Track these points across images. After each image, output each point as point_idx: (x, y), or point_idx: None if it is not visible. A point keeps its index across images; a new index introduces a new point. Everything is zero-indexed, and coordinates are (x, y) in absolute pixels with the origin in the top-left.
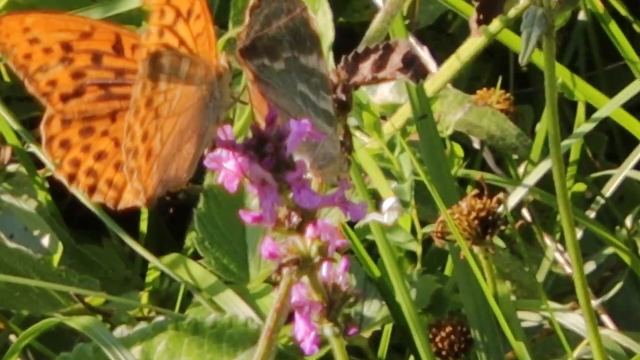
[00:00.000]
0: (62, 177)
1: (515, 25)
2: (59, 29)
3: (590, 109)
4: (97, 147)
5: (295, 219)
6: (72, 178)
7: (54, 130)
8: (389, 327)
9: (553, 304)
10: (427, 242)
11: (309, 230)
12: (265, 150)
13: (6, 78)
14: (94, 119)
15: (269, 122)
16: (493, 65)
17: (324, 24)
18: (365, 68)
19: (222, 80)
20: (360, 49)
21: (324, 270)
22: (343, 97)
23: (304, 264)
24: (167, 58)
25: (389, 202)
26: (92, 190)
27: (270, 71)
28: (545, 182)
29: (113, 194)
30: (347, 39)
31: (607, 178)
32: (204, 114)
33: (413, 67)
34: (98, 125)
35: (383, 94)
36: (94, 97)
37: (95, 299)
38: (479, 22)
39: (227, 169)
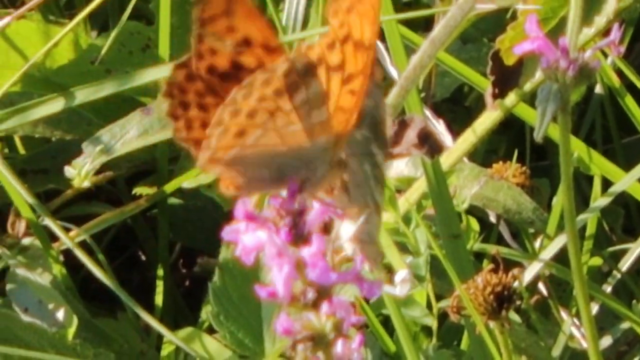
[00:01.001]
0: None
1: (531, 99)
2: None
3: (606, 183)
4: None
5: (310, 295)
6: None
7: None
8: None
9: None
10: (443, 316)
11: (324, 306)
12: (285, 223)
13: (21, 150)
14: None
15: (290, 195)
16: (509, 138)
17: None
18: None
19: (334, 170)
20: None
21: (339, 346)
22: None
23: (319, 341)
24: (315, 84)
25: (401, 274)
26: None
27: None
28: (562, 256)
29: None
30: None
31: (623, 252)
32: (299, 171)
33: (428, 143)
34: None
35: (399, 167)
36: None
37: None
38: (495, 96)
39: (243, 242)
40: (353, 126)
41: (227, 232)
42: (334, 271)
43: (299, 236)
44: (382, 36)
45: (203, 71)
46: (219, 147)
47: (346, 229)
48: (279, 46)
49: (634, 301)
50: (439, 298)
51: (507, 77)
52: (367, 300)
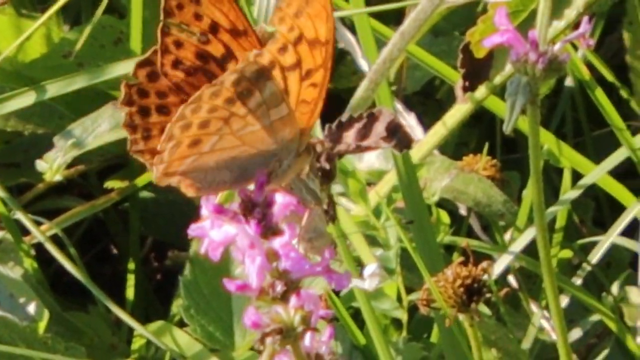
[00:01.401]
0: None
1: (501, 92)
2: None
3: (577, 175)
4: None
5: (279, 288)
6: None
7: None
8: None
9: None
10: (413, 309)
11: (293, 299)
12: (254, 215)
13: None
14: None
15: (258, 188)
16: (480, 131)
17: None
18: (349, 137)
19: (300, 159)
20: (345, 117)
21: (307, 339)
22: (327, 166)
23: (287, 334)
24: (270, 86)
25: (370, 268)
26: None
27: None
28: (532, 249)
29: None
30: (335, 105)
31: (593, 244)
32: (263, 167)
33: (397, 136)
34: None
35: (369, 160)
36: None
37: None
38: (465, 89)
39: (211, 237)
40: (317, 112)
41: (193, 229)
42: (306, 261)
43: (267, 228)
44: (352, 29)
45: (168, 66)
46: (173, 160)
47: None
48: (247, 29)
49: (604, 294)
50: (409, 291)
51: (477, 70)
52: (336, 293)
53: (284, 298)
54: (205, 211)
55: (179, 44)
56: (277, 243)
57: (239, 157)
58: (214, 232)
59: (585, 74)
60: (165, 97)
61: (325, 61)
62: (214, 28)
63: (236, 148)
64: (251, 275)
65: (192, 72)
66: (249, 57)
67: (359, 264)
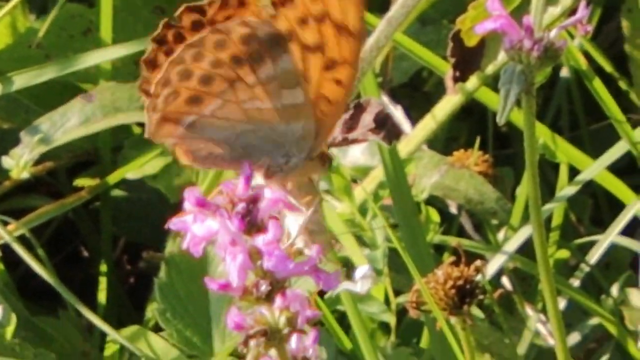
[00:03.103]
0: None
1: (493, 83)
2: None
3: (573, 171)
4: None
5: (263, 287)
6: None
7: None
8: None
9: None
10: (401, 312)
11: (278, 300)
12: (238, 210)
13: None
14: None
15: (245, 181)
16: (471, 125)
17: None
18: (335, 129)
19: (310, 164)
20: None
21: (293, 342)
22: None
23: (272, 336)
24: (285, 60)
25: (361, 270)
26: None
27: None
28: (527, 249)
29: None
30: None
31: (592, 244)
32: (267, 156)
33: (385, 128)
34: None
35: (354, 155)
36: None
37: None
38: (455, 80)
39: (193, 232)
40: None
41: (174, 223)
42: (291, 260)
43: (252, 224)
44: None
45: (220, 20)
46: (169, 111)
47: (292, 222)
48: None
49: (603, 296)
50: (397, 293)
51: (468, 60)
52: (322, 296)
53: (268, 298)
54: (187, 204)
55: (242, 3)
56: (260, 241)
57: (243, 135)
58: (197, 226)
59: (583, 63)
60: None
61: (354, 56)
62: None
63: (240, 123)
64: (232, 274)
65: None
66: (262, 14)
67: (345, 265)
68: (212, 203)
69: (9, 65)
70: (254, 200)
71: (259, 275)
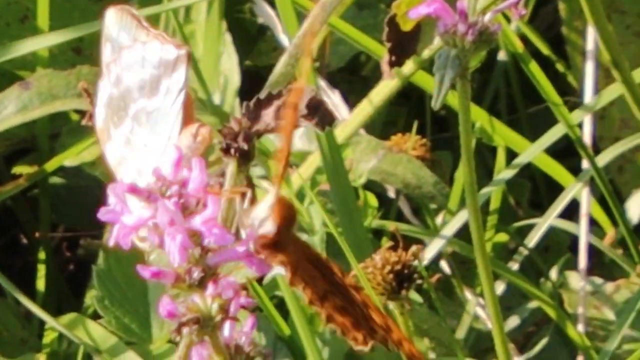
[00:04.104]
0: None
1: (431, 67)
2: None
3: (511, 154)
4: None
5: (196, 274)
6: None
7: None
8: None
9: None
10: None
11: (210, 287)
12: (171, 193)
13: None
14: None
15: (175, 165)
16: (408, 109)
17: (229, 67)
18: (269, 115)
19: None
20: (263, 94)
21: (226, 330)
22: (245, 147)
23: (205, 323)
24: None
25: None
26: None
27: None
28: (466, 233)
29: None
30: (255, 83)
31: (530, 227)
32: None
33: (318, 114)
34: None
35: None
36: None
37: None
38: (392, 64)
39: (123, 222)
40: None
41: (104, 213)
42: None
43: (185, 208)
44: (272, 3)
45: None
46: None
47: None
48: None
49: (542, 279)
50: None
51: (404, 44)
52: (259, 282)
53: (201, 285)
54: (113, 194)
55: None
56: (198, 219)
57: None
58: (126, 217)
59: (519, 46)
60: None
61: None
62: None
63: None
64: (172, 254)
65: None
66: None
67: None
68: (143, 188)
69: None
70: (183, 184)
71: (191, 262)
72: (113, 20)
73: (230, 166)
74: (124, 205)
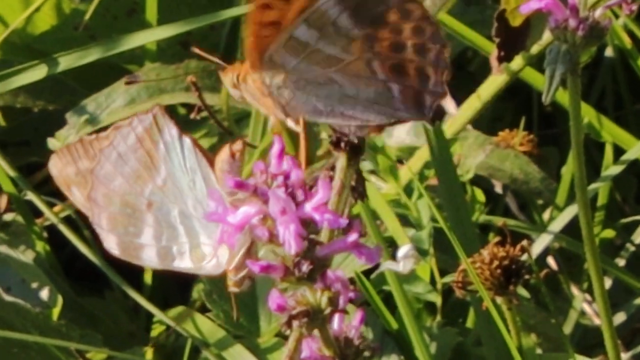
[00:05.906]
0: None
1: (538, 63)
2: None
3: (618, 151)
4: None
5: (305, 267)
6: None
7: None
8: None
9: (581, 358)
10: (447, 292)
11: (319, 280)
12: (278, 185)
13: (1, 121)
14: None
15: (278, 157)
16: (516, 105)
17: None
18: None
19: None
20: None
21: (336, 323)
22: (355, 140)
23: (314, 317)
24: None
25: (404, 249)
26: None
27: None
28: (572, 229)
29: None
30: None
31: (637, 224)
32: None
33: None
34: None
35: (400, 136)
36: None
37: (98, 354)
38: (500, 60)
39: (228, 222)
40: None
41: (209, 216)
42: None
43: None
44: None
45: None
46: None
47: None
48: None
49: None
50: (443, 273)
51: (513, 39)
52: (367, 276)
53: (310, 278)
54: (212, 199)
55: None
56: (309, 206)
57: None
58: (231, 217)
59: (627, 42)
60: None
61: None
62: None
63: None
64: (288, 243)
65: None
66: None
67: (390, 246)
68: (249, 183)
69: (54, 46)
70: (287, 175)
71: (300, 256)
72: None
73: (341, 160)
74: (225, 207)
